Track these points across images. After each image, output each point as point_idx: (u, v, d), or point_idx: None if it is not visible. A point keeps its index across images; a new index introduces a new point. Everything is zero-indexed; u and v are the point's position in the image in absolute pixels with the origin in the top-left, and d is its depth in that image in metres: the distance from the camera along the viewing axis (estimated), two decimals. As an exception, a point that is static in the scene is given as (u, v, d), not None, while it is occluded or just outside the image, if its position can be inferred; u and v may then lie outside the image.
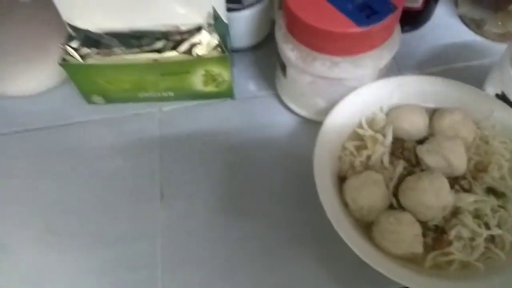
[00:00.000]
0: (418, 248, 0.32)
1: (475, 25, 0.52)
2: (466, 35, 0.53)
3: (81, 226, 0.41)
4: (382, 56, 0.38)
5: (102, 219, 0.41)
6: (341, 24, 0.33)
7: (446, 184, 0.33)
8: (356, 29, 0.33)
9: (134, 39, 0.43)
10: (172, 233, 0.40)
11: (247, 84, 0.50)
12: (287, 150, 0.44)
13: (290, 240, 0.39)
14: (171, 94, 0.47)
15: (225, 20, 0.44)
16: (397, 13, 0.35)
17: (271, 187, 0.42)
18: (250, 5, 0.45)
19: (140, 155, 0.45)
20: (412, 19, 0.51)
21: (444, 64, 0.50)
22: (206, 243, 0.39)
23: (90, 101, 0.48)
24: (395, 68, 0.49)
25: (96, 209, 0.42)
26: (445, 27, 0.53)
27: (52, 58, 0.47)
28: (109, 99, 0.48)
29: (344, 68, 0.37)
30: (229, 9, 0.44)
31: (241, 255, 0.38)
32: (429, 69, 0.50)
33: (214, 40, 0.42)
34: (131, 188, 0.43)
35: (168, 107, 0.48)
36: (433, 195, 0.32)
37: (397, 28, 0.38)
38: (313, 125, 0.42)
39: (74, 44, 0.42)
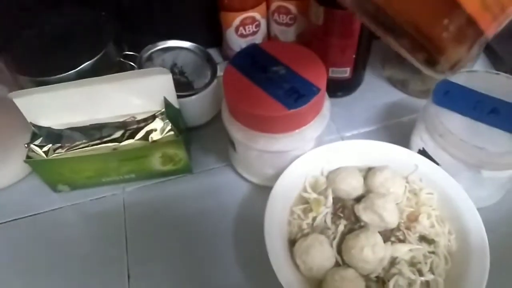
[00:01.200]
0: (363, 301, 0.36)
1: (400, 85, 0.60)
2: (394, 94, 0.60)
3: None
4: (316, 128, 0.43)
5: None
6: (274, 108, 0.39)
7: (379, 239, 0.37)
8: (287, 112, 0.38)
9: (94, 130, 0.47)
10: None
11: (204, 158, 0.54)
12: (243, 216, 0.48)
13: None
14: (132, 176, 0.50)
15: (177, 106, 0.49)
16: (321, 94, 0.40)
17: (229, 254, 0.45)
18: (200, 90, 0.51)
19: (107, 236, 0.48)
20: (344, 86, 0.58)
21: (378, 122, 0.56)
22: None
23: (56, 190, 0.51)
24: (334, 130, 0.55)
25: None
26: (375, 89, 0.60)
27: (17, 155, 0.50)
28: (74, 187, 0.51)
29: (284, 142, 0.42)
30: (180, 96, 0.49)
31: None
32: (364, 128, 0.56)
33: (167, 125, 0.46)
34: (101, 270, 0.45)
35: (131, 187, 0.52)
36: (369, 251, 0.36)
37: (325, 103, 0.44)
38: (265, 190, 0.47)
39: (38, 141, 0.46)
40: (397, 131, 0.54)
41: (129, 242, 0.47)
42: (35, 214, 0.50)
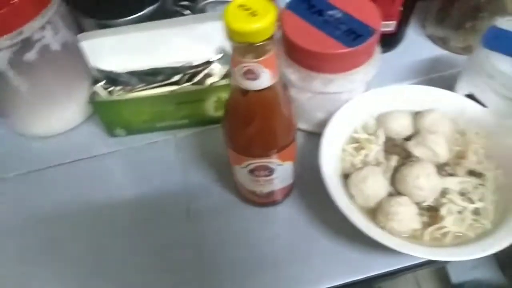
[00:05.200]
0: (417, 224, 0.38)
1: (441, 42, 0.61)
2: (435, 51, 0.61)
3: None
4: (368, 71, 0.45)
5: (134, 234, 0.47)
6: (333, 46, 0.41)
7: (433, 169, 0.40)
8: (345, 50, 0.40)
9: (151, 76, 0.50)
10: (202, 243, 0.45)
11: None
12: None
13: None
14: (185, 121, 0.53)
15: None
16: (377, 35, 0.42)
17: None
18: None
19: (164, 177, 0.50)
20: (388, 41, 0.59)
21: (420, 76, 0.58)
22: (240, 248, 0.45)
23: (112, 134, 0.54)
24: (377, 83, 0.57)
25: (128, 226, 0.47)
26: (417, 45, 0.62)
27: (77, 99, 0.53)
28: (130, 131, 0.53)
29: (338, 84, 0.44)
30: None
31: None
32: (407, 81, 0.57)
33: (224, 70, 0.49)
34: (161, 207, 0.48)
35: (182, 133, 0.54)
36: (424, 178, 0.39)
37: (378, 47, 0.46)
38: (311, 136, 0.49)
39: (101, 83, 0.49)
40: (439, 84, 0.55)
41: (186, 183, 0.50)
42: (93, 156, 0.53)
